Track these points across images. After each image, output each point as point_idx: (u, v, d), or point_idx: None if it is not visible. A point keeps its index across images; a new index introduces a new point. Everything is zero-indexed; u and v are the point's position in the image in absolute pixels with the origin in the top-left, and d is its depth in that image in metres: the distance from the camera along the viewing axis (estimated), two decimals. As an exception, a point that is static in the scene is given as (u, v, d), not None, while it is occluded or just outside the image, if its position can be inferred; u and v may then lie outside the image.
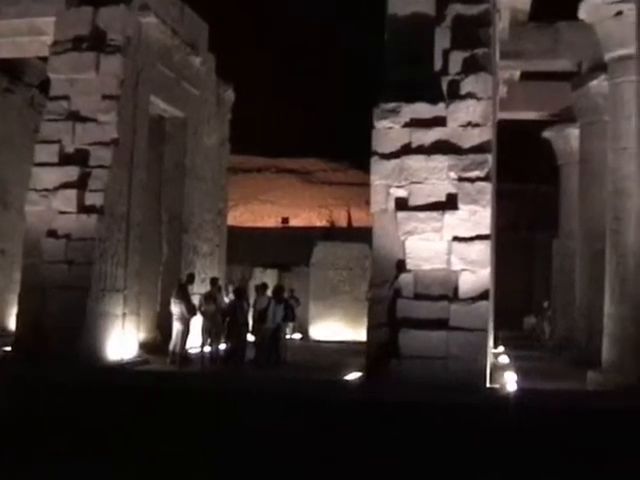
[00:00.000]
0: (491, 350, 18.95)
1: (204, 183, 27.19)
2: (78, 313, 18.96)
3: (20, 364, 18.03)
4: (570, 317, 27.89)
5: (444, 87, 15.85)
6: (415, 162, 15.42)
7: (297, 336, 32.55)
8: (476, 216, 15.19)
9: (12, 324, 22.10)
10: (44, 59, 21.89)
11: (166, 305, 23.10)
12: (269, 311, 22.66)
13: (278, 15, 59.65)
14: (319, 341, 32.70)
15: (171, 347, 22.10)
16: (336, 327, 33.65)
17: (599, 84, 24.07)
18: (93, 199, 19.58)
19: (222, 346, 23.16)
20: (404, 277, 15.34)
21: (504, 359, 22.51)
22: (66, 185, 19.56)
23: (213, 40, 27.77)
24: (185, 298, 22.27)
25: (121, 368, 19.71)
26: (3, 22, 21.22)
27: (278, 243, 43.84)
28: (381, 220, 15.67)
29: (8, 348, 20.14)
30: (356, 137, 24.78)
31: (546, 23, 24.54)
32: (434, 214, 15.27)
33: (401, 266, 15.40)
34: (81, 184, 19.55)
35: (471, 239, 15.20)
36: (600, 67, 22.81)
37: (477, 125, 15.43)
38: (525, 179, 42.65)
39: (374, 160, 15.70)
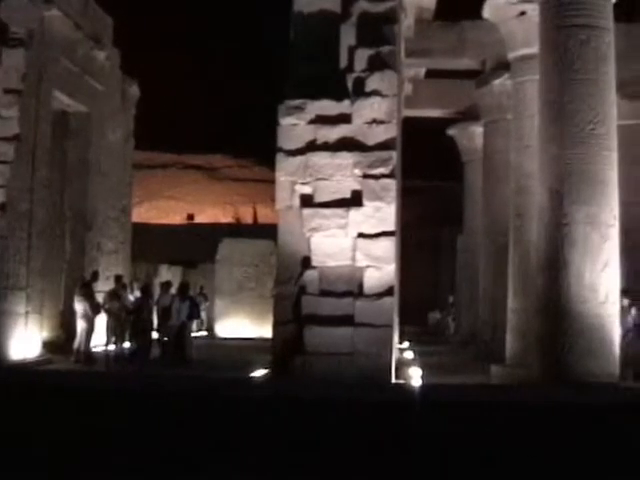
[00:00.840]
0: (396, 346, 19.06)
1: (108, 179, 26.91)
2: (-21, 312, 18.65)
3: None
4: (474, 312, 28.22)
5: (349, 84, 15.86)
6: (320, 159, 15.41)
7: (203, 333, 32.43)
8: (381, 213, 15.24)
9: None
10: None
11: (70, 303, 22.81)
12: (173, 308, 22.52)
13: (185, 10, 59.27)
14: (225, 338, 32.61)
15: (75, 346, 21.83)
16: (242, 324, 33.58)
17: (503, 83, 24.38)
18: (-6, 196, 19.25)
19: (127, 344, 22.95)
20: (309, 274, 15.34)
21: (409, 354, 22.68)
22: (-34, 181, 19.20)
23: (118, 35, 27.51)
24: (89, 296, 22.01)
25: (23, 367, 19.39)
26: None
27: (183, 240, 43.61)
28: (286, 217, 15.64)
29: None
30: (262, 133, 24.75)
31: (451, 22, 24.77)
32: (339, 211, 15.28)
33: (306, 263, 15.38)
34: (-18, 180, 19.21)
35: (376, 236, 15.24)
36: (504, 66, 23.12)
37: (382, 122, 15.48)
38: (430, 176, 43.05)
39: (279, 157, 15.65)
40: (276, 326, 15.65)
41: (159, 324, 23.38)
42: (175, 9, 59.81)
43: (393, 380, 15.42)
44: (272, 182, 16.14)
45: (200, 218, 56.04)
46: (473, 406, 9.89)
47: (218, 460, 9.26)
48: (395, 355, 16.73)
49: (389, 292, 15.22)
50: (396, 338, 18.84)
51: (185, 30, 59.70)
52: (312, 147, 15.54)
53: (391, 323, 15.43)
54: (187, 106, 57.56)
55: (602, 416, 9.74)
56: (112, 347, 22.50)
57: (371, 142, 15.41)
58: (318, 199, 15.40)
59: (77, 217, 25.04)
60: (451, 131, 32.93)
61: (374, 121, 15.46)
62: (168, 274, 33.57)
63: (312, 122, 15.64)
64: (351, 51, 16.03)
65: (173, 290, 24.00)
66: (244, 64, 59.98)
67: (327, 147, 15.48)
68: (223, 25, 58.06)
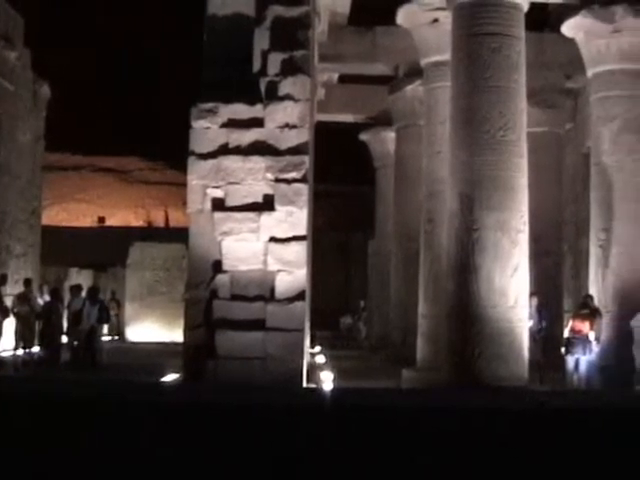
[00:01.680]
0: (308, 350, 19.08)
1: (18, 181, 26.50)
2: None
3: None
4: (385, 316, 28.40)
5: (262, 88, 15.82)
6: (232, 162, 15.34)
7: (113, 337, 32.10)
8: (293, 217, 15.23)
9: None
10: None
11: (-23, 307, 22.39)
12: (83, 312, 22.27)
13: (98, 11, 58.68)
14: (136, 342, 32.32)
15: (-18, 350, 21.48)
16: (153, 328, 33.32)
17: (415, 89, 24.57)
18: None
19: (36, 348, 22.61)
20: (221, 278, 15.26)
21: (321, 359, 22.70)
22: None
23: (29, 35, 27.12)
24: (-3, 299, 21.64)
25: None
26: None
27: (94, 243, 43.07)
28: (198, 220, 15.55)
29: None
30: (174, 136, 24.58)
31: (365, 27, 24.86)
32: (251, 215, 15.23)
33: (218, 267, 15.30)
34: None
35: (287, 240, 15.22)
36: (416, 72, 23.31)
37: (294, 127, 15.47)
38: (343, 181, 43.19)
39: (191, 160, 15.55)
40: (187, 330, 15.55)
41: (69, 328, 23.09)
42: (89, 9, 59.21)
43: (304, 384, 15.42)
44: (184, 185, 16.03)
45: (111, 221, 55.49)
46: (383, 410, 9.91)
47: (119, 468, 9.15)
48: (306, 359, 16.73)
49: (300, 296, 15.21)
50: (307, 342, 18.86)
51: (98, 30, 59.10)
52: (224, 151, 15.46)
53: (302, 327, 15.43)
54: (99, 108, 57.02)
55: (509, 420, 9.84)
56: (21, 351, 22.14)
57: (283, 146, 15.39)
58: (230, 203, 15.33)
59: (-15, 219, 24.67)
60: (364, 136, 33.06)
61: (286, 125, 15.45)
62: (78, 278, 33.13)
63: (224, 125, 15.57)
64: (264, 55, 15.99)
65: (83, 294, 23.73)
66: (157, 66, 59.59)
67: (239, 151, 15.43)
68: (138, 26, 57.59)
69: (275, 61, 15.90)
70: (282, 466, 9.29)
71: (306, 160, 15.44)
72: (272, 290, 15.20)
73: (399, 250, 26.12)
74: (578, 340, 18.56)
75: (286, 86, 15.71)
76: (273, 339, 15.03)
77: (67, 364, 22.06)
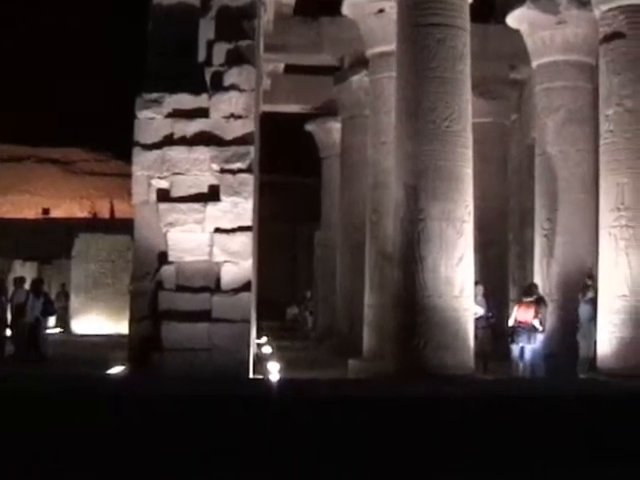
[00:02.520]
0: (254, 341, 19.05)
1: (-41, 173, 26.22)
2: None
3: None
4: (332, 307, 28.45)
5: (208, 78, 15.74)
6: (177, 153, 15.24)
7: (58, 330, 31.84)
8: (238, 208, 15.17)
9: None
10: None
11: None
12: (27, 305, 22.08)
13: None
14: (81, 335, 32.07)
15: None
16: (99, 320, 33.08)
17: (361, 79, 24.61)
18: None
19: (-22, 342, 22.39)
20: (166, 269, 15.17)
21: (267, 349, 22.70)
22: None
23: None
24: (-61, 292, 21.41)
25: None
26: None
27: (38, 235, 42.62)
28: (143, 212, 15.44)
29: None
30: (119, 127, 24.39)
31: (310, 18, 24.82)
32: (196, 206, 15.15)
33: (163, 258, 15.21)
34: None
35: (233, 231, 15.16)
36: (362, 62, 23.34)
37: (240, 117, 15.40)
38: (288, 171, 43.15)
39: (136, 151, 15.42)
40: (133, 322, 15.45)
41: (12, 321, 22.88)
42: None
43: (251, 375, 15.40)
44: (129, 176, 15.88)
45: (56, 213, 54.93)
46: (328, 400, 9.94)
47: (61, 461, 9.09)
48: (253, 350, 16.71)
49: (246, 287, 15.18)
50: (254, 333, 18.83)
51: (41, 18, 58.44)
52: (169, 141, 15.36)
53: (248, 318, 15.40)
54: (43, 98, 56.42)
55: (456, 408, 9.91)
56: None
57: (229, 137, 15.32)
58: (175, 194, 15.24)
59: None
60: (309, 126, 33.05)
61: (232, 116, 15.38)
62: (23, 270, 32.82)
63: (169, 116, 15.47)
64: (210, 45, 15.91)
65: (27, 286, 23.53)
66: (101, 55, 59.05)
67: (184, 141, 15.33)
68: (83, 15, 57.03)
69: (220, 51, 15.82)
70: (228, 456, 9.28)
71: (251, 150, 15.39)
72: (218, 281, 15.14)
73: (345, 240, 26.15)
74: (523, 329, 18.68)
75: (231, 76, 15.64)
76: (219, 330, 14.97)
77: (11, 357, 21.86)
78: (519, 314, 18.87)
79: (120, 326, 27.70)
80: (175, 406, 9.59)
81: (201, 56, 15.90)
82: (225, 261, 15.14)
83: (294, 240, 45.11)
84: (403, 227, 17.21)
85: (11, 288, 25.06)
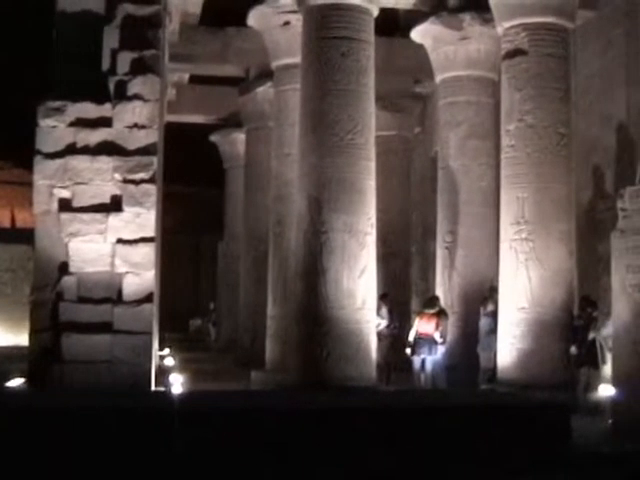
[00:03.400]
0: (157, 353, 18.91)
1: None
2: None
3: None
4: (235, 318, 28.42)
5: (112, 88, 15.59)
6: (80, 162, 15.05)
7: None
8: (140, 218, 15.03)
9: None
10: None
11: None
12: None
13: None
14: (-21, 346, 31.47)
15: None
16: (-2, 331, 32.52)
17: (265, 91, 24.67)
18: None
19: None
20: (67, 280, 14.95)
21: (170, 361, 22.53)
22: None
23: None
24: None
25: None
26: None
27: (-64, 244, 41.75)
28: (44, 221, 15.21)
29: None
30: (21, 135, 24.02)
31: (216, 28, 24.78)
32: (98, 216, 14.96)
33: (64, 268, 14.99)
34: None
35: (135, 242, 15.01)
36: (267, 74, 23.39)
37: (143, 127, 15.27)
38: (193, 182, 42.90)
39: (37, 159, 15.19)
40: (33, 334, 15.19)
41: None
42: None
43: (153, 388, 15.28)
44: (31, 185, 15.63)
45: (-46, 222, 53.89)
46: (231, 412, 9.92)
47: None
48: (155, 362, 16.58)
49: (148, 299, 15.05)
50: (156, 345, 18.70)
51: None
52: (72, 150, 15.16)
53: (151, 330, 15.26)
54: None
55: (355, 419, 9.95)
56: None
57: (132, 147, 15.18)
58: (77, 204, 15.03)
59: None
60: (214, 137, 32.97)
61: (135, 125, 15.24)
62: None
63: (72, 125, 15.27)
64: (114, 54, 15.75)
65: None
66: (1, 61, 58.15)
67: (87, 151, 15.14)
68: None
69: (124, 60, 15.68)
70: (129, 469, 9.20)
71: (155, 161, 15.29)
72: (120, 292, 14.98)
73: (248, 252, 26.14)
74: (424, 340, 18.86)
75: (135, 86, 15.51)
76: (120, 342, 14.81)
77: None
78: (421, 326, 19.04)
79: (20, 337, 27.26)
80: (73, 419, 9.47)
81: (105, 65, 15.74)
82: (127, 272, 14.98)
83: (198, 251, 44.91)
84: (306, 239, 17.28)
85: None
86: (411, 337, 19.22)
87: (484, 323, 18.85)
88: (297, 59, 18.88)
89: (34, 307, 15.33)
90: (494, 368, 17.96)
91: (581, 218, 19.18)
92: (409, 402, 11.38)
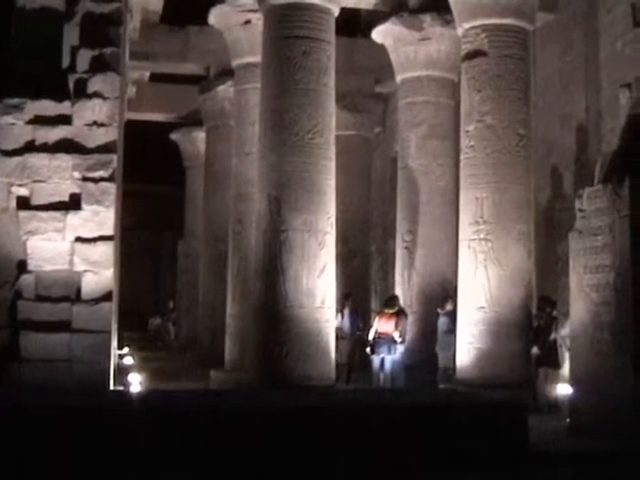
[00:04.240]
0: (116, 352, 18.83)
1: None
2: None
3: None
4: (194, 317, 28.36)
5: (71, 85, 15.50)
6: (39, 160, 14.96)
7: None
8: (99, 217, 14.96)
9: None
10: None
11: None
12: None
13: None
14: None
15: None
16: (-46, 330, 32.18)
17: (226, 89, 24.67)
18: None
19: None
20: (25, 278, 14.86)
21: (129, 360, 22.44)
22: None
23: None
24: None
25: None
26: None
27: None
28: (2, 219, 15.07)
29: None
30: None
31: (177, 26, 24.74)
32: (57, 214, 14.88)
33: (22, 267, 14.89)
34: None
35: (94, 240, 14.93)
36: (228, 73, 23.39)
37: (103, 125, 15.20)
38: (152, 180, 42.77)
39: (-5, 157, 15.10)
40: (-10, 332, 15.10)
41: None
42: None
43: (111, 387, 15.23)
44: (-12, 183, 15.50)
45: None
46: (190, 411, 9.92)
47: None
48: (114, 361, 16.52)
49: (107, 297, 14.98)
50: (115, 344, 18.61)
51: None
52: (30, 148, 15.07)
53: (109, 329, 15.21)
54: None
55: (315, 418, 9.98)
56: None
57: (91, 145, 15.12)
58: (35, 202, 14.94)
59: None
60: (174, 135, 32.89)
61: (95, 123, 15.17)
62: None
63: (31, 122, 15.17)
64: (74, 51, 15.66)
65: None
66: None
67: (46, 148, 15.06)
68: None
69: (84, 58, 15.60)
70: (85, 469, 9.17)
71: (114, 159, 15.24)
72: (78, 291, 14.91)
73: (208, 251, 26.10)
74: (383, 340, 18.91)
75: (95, 83, 15.44)
76: (79, 341, 14.75)
77: None
78: (380, 325, 19.09)
79: (-23, 336, 27.04)
80: (30, 417, 9.43)
81: (65, 62, 15.66)
82: (86, 270, 14.91)
83: (157, 250, 44.75)
84: (265, 238, 17.29)
85: None
86: (371, 336, 19.27)
87: (442, 322, 18.94)
88: (258, 58, 18.88)
89: (-9, 306, 15.22)
90: (453, 367, 18.04)
91: (540, 218, 19.30)
92: (362, 402, 11.42)
